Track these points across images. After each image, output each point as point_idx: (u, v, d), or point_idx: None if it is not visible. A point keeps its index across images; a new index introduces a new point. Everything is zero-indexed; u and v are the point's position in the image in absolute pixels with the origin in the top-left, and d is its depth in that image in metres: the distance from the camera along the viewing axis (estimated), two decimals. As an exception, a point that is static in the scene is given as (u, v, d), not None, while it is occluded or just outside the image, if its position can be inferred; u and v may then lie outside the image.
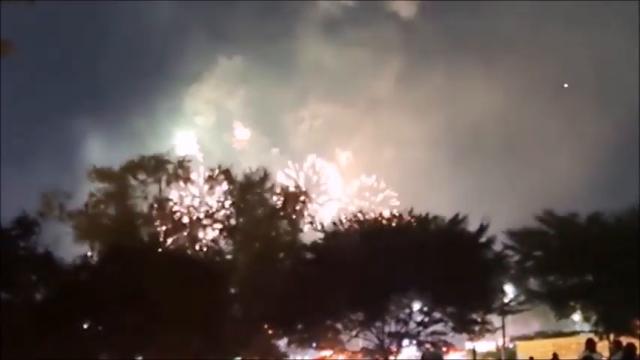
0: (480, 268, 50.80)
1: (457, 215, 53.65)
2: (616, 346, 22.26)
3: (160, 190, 60.89)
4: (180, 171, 61.58)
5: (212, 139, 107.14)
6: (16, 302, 45.86)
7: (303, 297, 47.26)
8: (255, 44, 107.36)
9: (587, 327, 53.71)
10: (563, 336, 58.32)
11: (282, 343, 54.83)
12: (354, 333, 53.34)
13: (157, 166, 61.00)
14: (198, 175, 65.14)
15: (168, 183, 61.09)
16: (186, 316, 43.37)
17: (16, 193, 60.55)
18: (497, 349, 66.18)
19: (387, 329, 52.01)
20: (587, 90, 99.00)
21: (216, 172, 61.71)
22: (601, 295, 49.08)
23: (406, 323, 52.24)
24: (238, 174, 61.22)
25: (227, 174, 61.25)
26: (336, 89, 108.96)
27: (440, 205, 60.14)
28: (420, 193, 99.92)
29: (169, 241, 56.94)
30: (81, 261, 49.85)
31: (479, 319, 52.94)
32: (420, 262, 47.40)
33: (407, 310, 52.36)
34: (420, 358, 48.45)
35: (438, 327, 52.45)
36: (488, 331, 54.08)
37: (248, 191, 59.50)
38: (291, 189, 61.67)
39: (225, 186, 60.39)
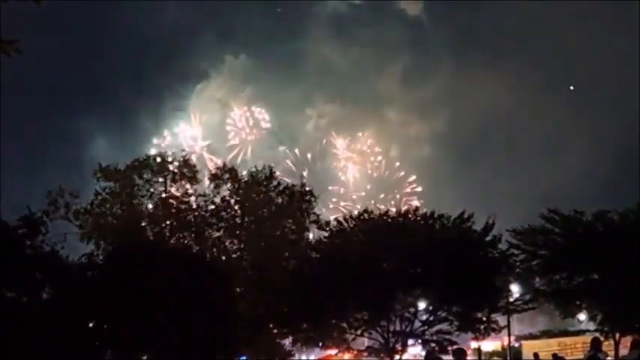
0: (486, 267, 50.81)
1: (463, 214, 53.71)
2: (635, 345, 22.11)
3: (166, 188, 60.94)
4: (186, 170, 61.60)
5: (219, 137, 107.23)
6: (22, 301, 45.90)
7: (308, 296, 47.33)
8: (262, 43, 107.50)
9: (592, 326, 53.68)
10: (569, 335, 58.26)
11: (287, 342, 54.90)
12: (359, 332, 53.43)
13: (162, 165, 61.08)
14: (204, 173, 65.24)
15: (174, 182, 61.10)
16: (191, 315, 43.38)
17: (22, 192, 60.75)
18: (503, 348, 66.16)
19: (392, 328, 52.09)
20: (594, 89, 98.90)
21: (222, 170, 61.76)
22: (607, 294, 49.04)
23: (411, 322, 52.31)
24: (244, 172, 61.33)
25: (233, 172, 61.29)
26: (342, 88, 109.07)
27: (445, 204, 60.19)
28: (426, 191, 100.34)
29: (175, 239, 56.91)
30: (86, 260, 49.85)
31: (484, 318, 52.98)
32: (426, 261, 47.47)
33: (412, 309, 52.41)
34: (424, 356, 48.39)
35: (444, 326, 52.52)
36: (494, 330, 54.09)
37: (253, 190, 59.50)
38: (297, 188, 61.58)
39: (230, 185, 60.40)
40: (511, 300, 54.00)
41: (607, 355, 25.52)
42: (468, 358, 60.46)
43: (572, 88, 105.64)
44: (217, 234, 59.04)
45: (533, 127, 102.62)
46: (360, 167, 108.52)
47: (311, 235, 58.68)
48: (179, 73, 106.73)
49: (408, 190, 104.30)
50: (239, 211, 59.26)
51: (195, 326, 43.82)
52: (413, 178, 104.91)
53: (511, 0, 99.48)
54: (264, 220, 58.32)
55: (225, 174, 61.27)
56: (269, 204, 59.47)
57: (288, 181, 64.56)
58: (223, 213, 59.05)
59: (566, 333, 59.20)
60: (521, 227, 53.54)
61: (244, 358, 54.60)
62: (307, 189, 61.32)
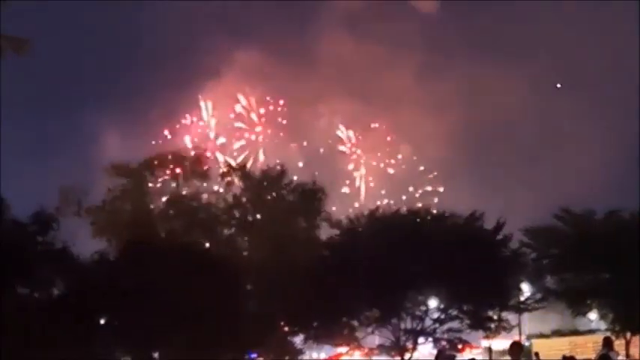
0: (497, 266, 50.73)
1: (474, 213, 53.63)
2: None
3: (177, 185, 61.03)
4: (197, 167, 61.69)
5: (230, 134, 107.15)
6: (34, 297, 46.11)
7: (319, 294, 47.32)
8: (274, 39, 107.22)
9: (603, 325, 53.57)
10: (580, 334, 58.05)
11: (298, 339, 54.89)
12: (369, 330, 53.41)
13: (174, 162, 61.17)
14: (216, 171, 65.30)
15: (185, 179, 61.19)
16: (202, 312, 43.48)
17: (34, 189, 60.94)
18: (514, 346, 65.88)
19: (402, 326, 52.05)
20: (606, 88, 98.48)
21: (234, 168, 61.85)
22: (618, 293, 48.93)
23: (422, 320, 52.26)
24: (255, 170, 61.39)
25: (244, 170, 61.35)
26: (355, 85, 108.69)
27: (457, 203, 60.06)
28: (437, 190, 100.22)
29: (186, 237, 56.98)
30: (98, 256, 50.03)
31: (495, 317, 52.89)
32: (437, 260, 47.41)
33: (423, 307, 52.37)
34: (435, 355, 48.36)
35: (454, 324, 52.45)
36: (505, 328, 54.00)
37: (265, 187, 59.51)
38: (308, 185, 61.55)
39: (242, 182, 60.45)
40: (522, 299, 53.91)
41: (618, 354, 25.54)
42: (479, 356, 60.63)
43: (558, 85, 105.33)
44: (229, 232, 59.10)
45: (547, 125, 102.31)
46: (373, 165, 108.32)
47: (322, 233, 58.63)
48: (190, 70, 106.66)
49: (423, 189, 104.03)
50: (250, 209, 59.27)
51: (206, 324, 43.95)
52: (429, 175, 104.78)
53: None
54: (276, 218, 58.31)
55: (237, 172, 61.35)
56: (280, 202, 59.47)
57: (300, 178, 64.44)
58: (235, 211, 59.10)
59: (576, 332, 59.00)
60: (532, 226, 53.48)
61: (255, 355, 54.68)
62: (319, 187, 61.33)
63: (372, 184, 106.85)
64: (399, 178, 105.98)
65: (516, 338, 60.57)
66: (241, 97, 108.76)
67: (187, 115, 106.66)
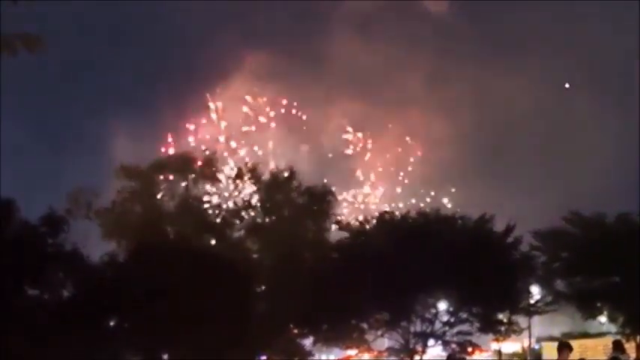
0: (507, 269, 50.67)
1: (484, 215, 53.56)
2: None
3: (187, 188, 61.05)
4: (207, 169, 61.70)
5: (240, 136, 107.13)
6: (44, 299, 46.22)
7: (328, 296, 47.29)
8: (284, 41, 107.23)
9: (613, 328, 53.41)
10: (590, 337, 57.86)
11: (307, 342, 54.88)
12: (379, 332, 53.42)
13: (183, 164, 61.19)
14: (225, 173, 65.32)
15: (195, 181, 61.21)
16: (212, 314, 43.50)
17: (44, 191, 61.05)
18: (523, 349, 65.84)
19: (412, 329, 52.03)
20: (618, 89, 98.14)
21: (243, 170, 61.88)
22: (628, 296, 48.78)
23: (432, 323, 52.22)
24: (265, 172, 61.41)
25: (254, 172, 61.39)
26: (365, 87, 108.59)
27: (467, 205, 59.94)
28: (448, 192, 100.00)
29: (195, 239, 56.99)
30: (108, 259, 50.10)
31: (505, 320, 52.85)
32: (447, 262, 47.33)
33: (433, 310, 52.33)
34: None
35: (464, 327, 52.39)
36: (515, 331, 53.98)
37: (274, 190, 59.52)
38: (318, 188, 61.51)
39: (251, 184, 60.49)
40: (532, 301, 53.83)
41: (629, 357, 25.41)
42: (489, 359, 60.50)
43: (567, 85, 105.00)
44: (238, 234, 59.12)
45: (557, 128, 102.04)
46: (383, 167, 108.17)
47: (332, 236, 58.60)
48: (200, 71, 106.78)
49: (433, 192, 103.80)
50: (260, 212, 59.29)
51: (216, 325, 43.97)
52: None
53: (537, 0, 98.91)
54: (285, 220, 58.30)
55: (247, 174, 61.38)
56: (290, 204, 59.47)
57: (310, 180, 64.38)
58: (244, 213, 59.13)
59: (587, 335, 58.83)
60: (542, 229, 53.39)
61: (264, 357, 54.70)
62: (328, 189, 61.27)
63: (381, 187, 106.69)
64: (408, 180, 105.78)
65: (526, 341, 60.61)
66: (251, 99, 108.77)
67: (197, 117, 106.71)
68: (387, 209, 59.52)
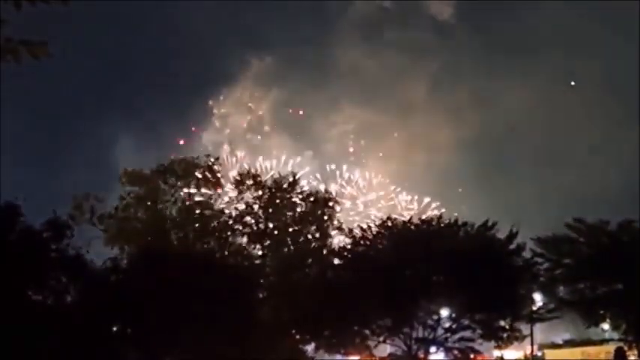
0: (509, 275, 50.65)
1: (487, 221, 53.56)
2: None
3: (190, 193, 61.13)
4: (210, 175, 61.79)
5: (243, 141, 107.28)
6: (47, 303, 46.23)
7: (331, 302, 47.33)
8: (288, 46, 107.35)
9: (616, 335, 53.38)
10: (592, 344, 57.91)
11: (309, 347, 54.90)
12: (381, 339, 53.37)
13: (187, 170, 61.27)
14: (228, 179, 65.47)
15: (198, 187, 61.29)
16: (215, 319, 43.55)
17: (48, 196, 61.11)
18: (526, 356, 65.83)
19: (414, 335, 51.98)
20: (625, 95, 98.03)
21: (246, 175, 61.97)
22: (631, 303, 48.75)
23: (434, 329, 52.17)
24: (268, 178, 61.51)
25: (256, 178, 61.47)
26: (369, 93, 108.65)
27: (470, 211, 59.95)
28: (451, 198, 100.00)
29: (198, 244, 57.08)
30: (111, 264, 50.15)
31: (507, 327, 52.78)
32: (449, 269, 47.35)
33: (435, 317, 52.29)
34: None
35: (466, 334, 52.34)
36: (517, 338, 53.89)
37: (277, 196, 59.62)
38: (320, 194, 61.58)
39: (254, 190, 60.57)
40: (534, 308, 53.77)
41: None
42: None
43: (572, 83, 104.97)
44: (241, 240, 59.20)
45: (561, 134, 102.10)
46: (387, 173, 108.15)
47: (335, 242, 58.68)
48: (204, 76, 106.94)
49: (436, 198, 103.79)
50: (263, 217, 59.38)
51: (218, 331, 44.00)
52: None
53: (544, 1, 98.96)
54: (288, 226, 58.38)
55: (249, 179, 61.47)
56: (292, 210, 59.55)
57: (313, 186, 64.51)
58: (247, 219, 59.22)
59: (589, 342, 58.86)
60: (545, 236, 53.38)
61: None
62: (331, 195, 61.29)
63: (383, 192, 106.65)
64: (412, 186, 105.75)
65: (528, 348, 60.60)
66: (255, 105, 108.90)
67: (201, 123, 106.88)
68: (389, 215, 59.33)
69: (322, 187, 68.18)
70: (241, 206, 60.34)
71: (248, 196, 60.70)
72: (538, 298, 53.87)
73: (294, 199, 60.10)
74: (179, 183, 60.75)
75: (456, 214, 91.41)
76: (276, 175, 62.13)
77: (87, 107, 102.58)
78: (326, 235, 58.91)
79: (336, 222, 59.62)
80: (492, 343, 55.38)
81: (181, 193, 60.74)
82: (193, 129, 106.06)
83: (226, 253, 57.43)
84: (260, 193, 60.09)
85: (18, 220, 44.08)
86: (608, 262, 49.21)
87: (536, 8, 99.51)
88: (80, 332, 42.00)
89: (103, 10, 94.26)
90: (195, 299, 42.75)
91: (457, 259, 47.86)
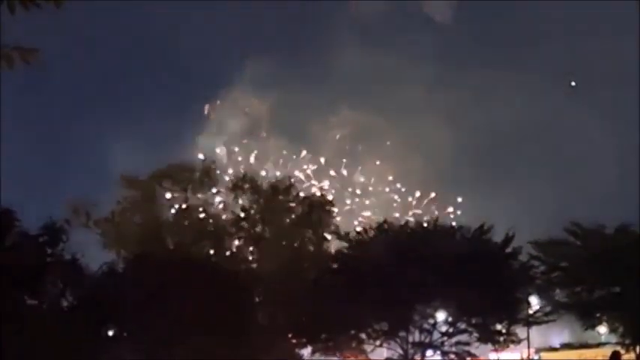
0: (506, 279, 50.64)
1: (483, 225, 53.55)
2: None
3: (186, 198, 61.08)
4: (207, 179, 61.74)
5: (240, 145, 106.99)
6: (43, 308, 46.20)
7: (327, 306, 47.29)
8: (285, 48, 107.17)
9: (613, 339, 53.34)
10: (589, 347, 57.83)
11: (305, 351, 54.85)
12: (377, 342, 53.31)
13: (183, 174, 61.23)
14: (225, 182, 65.36)
15: (194, 191, 61.25)
16: (211, 323, 43.51)
17: (43, 201, 61.07)
18: (522, 360, 65.85)
19: (411, 339, 51.95)
20: (625, 98, 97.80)
21: (242, 180, 61.90)
22: (628, 306, 48.76)
23: (430, 333, 52.15)
24: (264, 182, 61.45)
25: (253, 182, 61.41)
26: (367, 95, 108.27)
27: (466, 215, 59.91)
28: (448, 200, 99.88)
29: (195, 249, 57.03)
30: (107, 268, 50.12)
31: (504, 330, 52.77)
32: (445, 272, 47.31)
33: (431, 320, 52.25)
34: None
35: (463, 337, 52.32)
36: (513, 341, 53.87)
37: (273, 200, 59.56)
38: (317, 198, 61.56)
39: (250, 194, 60.50)
40: (531, 312, 53.75)
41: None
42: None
43: (573, 84, 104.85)
44: (237, 243, 59.15)
45: (560, 137, 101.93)
46: (383, 175, 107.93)
47: (331, 246, 58.60)
48: (201, 78, 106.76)
49: (432, 201, 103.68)
50: (259, 221, 59.32)
51: (214, 335, 43.97)
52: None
53: (545, 1, 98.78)
54: (284, 230, 58.33)
55: (246, 183, 61.40)
56: (289, 214, 59.50)
57: (309, 190, 64.46)
58: (243, 222, 59.17)
59: (586, 345, 58.78)
60: (542, 239, 53.35)
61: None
62: (327, 199, 61.25)
63: (381, 197, 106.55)
64: (408, 189, 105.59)
65: (525, 352, 60.57)
66: (251, 108, 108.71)
67: (198, 126, 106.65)
68: (386, 219, 59.27)
69: (319, 191, 68.04)
70: (237, 210, 60.27)
71: (244, 199, 60.64)
72: (535, 301, 53.81)
73: (290, 203, 60.05)
74: (175, 187, 60.71)
75: (452, 216, 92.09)
76: (273, 179, 62.10)
77: (83, 111, 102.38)
78: (322, 239, 58.87)
79: (332, 226, 59.55)
80: (489, 347, 55.38)
81: (177, 198, 60.72)
82: (189, 133, 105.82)
83: (222, 257, 57.40)
84: (256, 196, 60.02)
85: (14, 225, 44.06)
86: (605, 266, 49.21)
87: (536, 9, 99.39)
88: (76, 337, 41.96)
89: (94, 12, 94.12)
90: (192, 303, 42.72)
91: (453, 263, 47.84)
